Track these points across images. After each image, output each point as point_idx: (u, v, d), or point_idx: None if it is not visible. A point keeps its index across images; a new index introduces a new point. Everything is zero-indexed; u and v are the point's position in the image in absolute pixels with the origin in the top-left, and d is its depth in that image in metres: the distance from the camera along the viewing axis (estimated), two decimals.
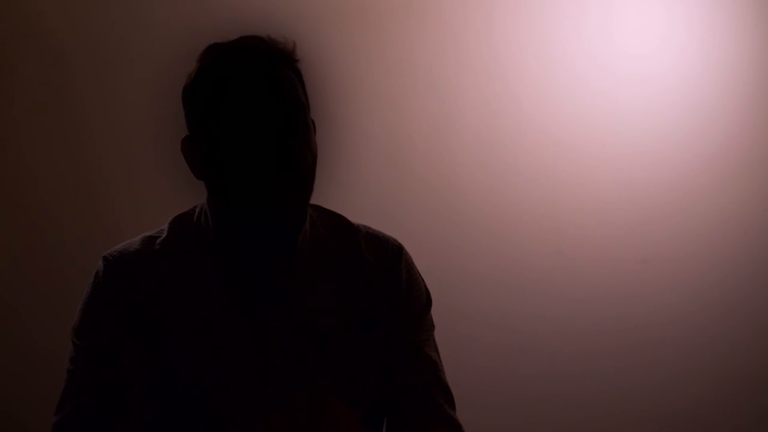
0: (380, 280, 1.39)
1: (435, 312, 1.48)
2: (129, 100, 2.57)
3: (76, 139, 2.58)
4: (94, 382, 1.27)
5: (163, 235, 1.37)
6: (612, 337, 2.58)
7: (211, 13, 2.51)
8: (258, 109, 1.25)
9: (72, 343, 1.32)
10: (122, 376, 1.27)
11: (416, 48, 2.60)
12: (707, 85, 2.58)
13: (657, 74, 2.58)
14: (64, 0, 2.56)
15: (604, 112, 2.59)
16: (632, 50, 2.58)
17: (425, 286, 1.47)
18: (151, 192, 2.54)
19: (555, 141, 2.60)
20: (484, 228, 2.61)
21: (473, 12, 2.60)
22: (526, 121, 2.60)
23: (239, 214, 1.30)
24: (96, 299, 1.31)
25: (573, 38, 2.59)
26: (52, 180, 2.58)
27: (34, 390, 2.36)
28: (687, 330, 2.58)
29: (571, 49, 2.59)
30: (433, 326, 1.46)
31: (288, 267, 1.33)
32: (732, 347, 2.58)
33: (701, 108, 2.58)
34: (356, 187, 2.57)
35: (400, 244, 1.45)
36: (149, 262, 1.33)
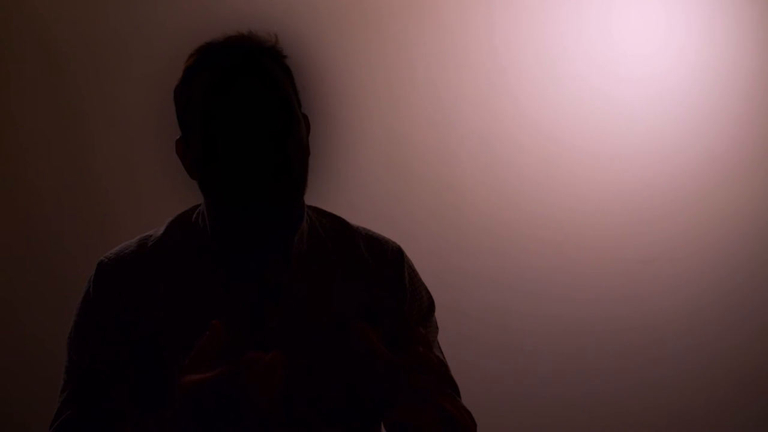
0: (381, 282, 1.39)
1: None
2: (129, 100, 2.57)
3: (75, 138, 2.58)
4: (86, 393, 1.29)
5: (158, 234, 1.37)
6: (612, 337, 2.58)
7: (211, 13, 2.51)
8: (247, 107, 1.25)
9: (66, 353, 1.33)
10: (114, 387, 1.28)
11: (416, 48, 2.60)
12: (707, 85, 2.58)
13: (657, 74, 2.58)
14: (64, 0, 2.56)
15: (604, 112, 2.59)
16: (632, 50, 2.58)
17: (427, 290, 1.47)
18: (151, 192, 2.54)
19: (555, 141, 2.60)
20: (484, 228, 2.61)
21: (473, 12, 2.60)
22: (525, 121, 2.60)
23: (233, 212, 1.30)
24: (86, 313, 1.33)
25: (573, 38, 2.59)
26: (52, 180, 2.58)
27: (34, 390, 2.36)
28: (687, 330, 2.58)
29: (571, 50, 2.59)
30: (437, 329, 1.47)
31: (285, 265, 1.33)
32: (732, 347, 2.58)
33: (701, 108, 2.58)
34: (356, 186, 2.58)
35: (399, 246, 1.45)
36: (143, 262, 1.33)
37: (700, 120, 2.58)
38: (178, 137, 1.35)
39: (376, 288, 1.38)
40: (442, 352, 1.45)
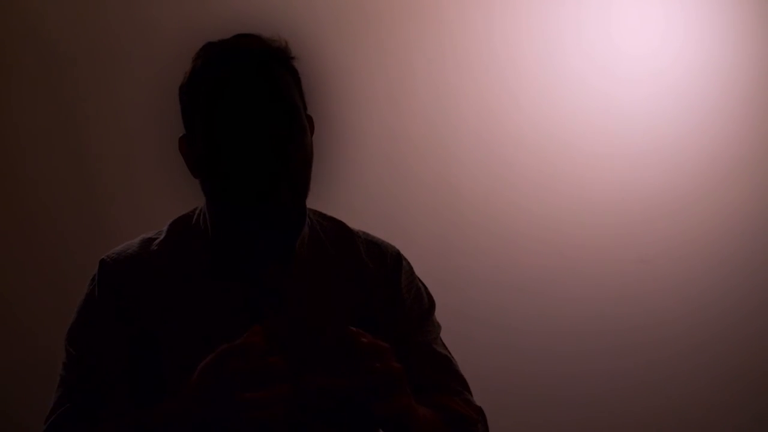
0: (379, 286, 1.39)
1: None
2: (129, 100, 2.57)
3: (75, 138, 2.58)
4: (85, 389, 1.28)
5: (161, 237, 1.37)
6: (611, 336, 2.58)
7: (211, 13, 2.51)
8: (252, 110, 1.25)
9: (65, 350, 1.33)
10: (113, 384, 1.28)
11: (416, 48, 2.60)
12: (706, 85, 2.58)
13: (656, 74, 2.58)
14: (64, 0, 2.56)
15: (604, 112, 2.59)
16: (631, 50, 2.59)
17: (426, 289, 1.47)
18: (151, 192, 2.54)
19: (554, 141, 2.61)
20: (483, 228, 2.61)
21: (472, 12, 2.60)
22: (525, 121, 2.60)
23: (235, 213, 1.30)
24: (89, 309, 1.33)
25: (572, 38, 2.60)
26: (52, 180, 2.58)
27: (34, 390, 2.36)
28: (686, 330, 2.58)
29: (570, 49, 2.60)
30: (440, 327, 1.47)
31: (285, 268, 1.33)
32: (731, 347, 2.58)
33: (700, 108, 2.58)
34: (356, 187, 2.58)
35: (398, 251, 1.46)
36: (146, 263, 1.33)
37: (699, 120, 2.58)
38: (182, 134, 1.35)
39: (375, 292, 1.38)
40: (446, 348, 1.45)
